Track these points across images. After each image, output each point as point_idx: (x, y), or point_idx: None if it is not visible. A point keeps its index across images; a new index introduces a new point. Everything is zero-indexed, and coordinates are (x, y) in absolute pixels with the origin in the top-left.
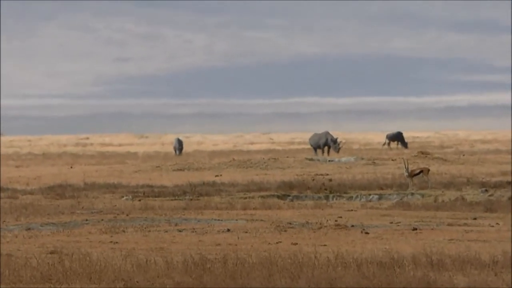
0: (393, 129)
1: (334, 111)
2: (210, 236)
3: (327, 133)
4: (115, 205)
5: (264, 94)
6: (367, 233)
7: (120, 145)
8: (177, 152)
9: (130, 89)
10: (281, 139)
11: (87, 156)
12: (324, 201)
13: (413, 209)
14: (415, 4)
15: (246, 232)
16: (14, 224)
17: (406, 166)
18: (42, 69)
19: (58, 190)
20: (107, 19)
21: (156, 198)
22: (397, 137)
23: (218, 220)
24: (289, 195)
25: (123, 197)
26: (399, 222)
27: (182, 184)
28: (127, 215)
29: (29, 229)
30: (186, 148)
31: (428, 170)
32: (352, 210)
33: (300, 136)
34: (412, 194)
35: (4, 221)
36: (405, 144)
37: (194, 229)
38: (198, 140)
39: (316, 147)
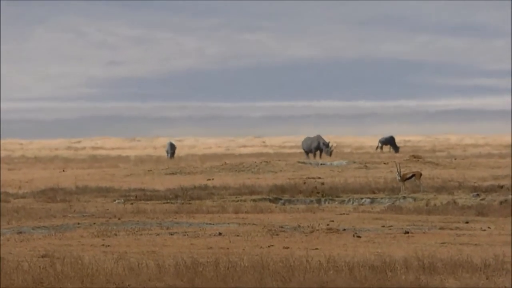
0: (385, 133)
1: (326, 114)
2: (202, 240)
3: (319, 136)
4: (107, 209)
5: (256, 98)
6: (359, 236)
7: (112, 148)
8: (169, 155)
9: (122, 92)
10: (273, 143)
11: (79, 160)
12: (316, 204)
13: (405, 212)
14: (407, 8)
15: (238, 235)
16: (5, 227)
17: (399, 170)
18: (34, 72)
19: (50, 194)
20: (99, 22)
21: (148, 202)
22: (389, 141)
23: (210, 223)
24: (281, 199)
25: (115, 200)
26: (391, 226)
27: (174, 187)
28: (119, 218)
29: (20, 232)
30: (178, 152)
31: (420, 174)
32: (344, 213)
33: (292, 139)
34: (404, 198)
35: None
36: (396, 148)
37: (186, 232)
38: (190, 144)
39: (308, 150)
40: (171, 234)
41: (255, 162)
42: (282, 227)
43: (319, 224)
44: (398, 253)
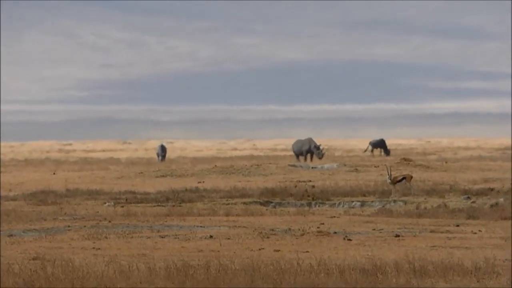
0: (376, 136)
1: (317, 117)
2: (193, 243)
3: (310, 139)
4: (98, 212)
5: (247, 101)
6: (349, 239)
7: (103, 151)
8: (160, 158)
9: (114, 95)
10: (264, 146)
11: (70, 162)
12: (307, 207)
13: (395, 216)
14: (399, 11)
15: (229, 238)
16: None
17: (389, 173)
18: (26, 75)
19: (41, 196)
20: (92, 26)
21: (139, 205)
22: (380, 144)
23: (201, 226)
24: (271, 202)
25: (105, 203)
26: (382, 229)
27: (165, 190)
28: (109, 221)
29: (11, 235)
30: (169, 154)
31: (411, 177)
32: (334, 216)
33: (283, 142)
34: (395, 201)
35: None
36: (387, 152)
37: (176, 235)
38: (181, 146)
39: (299, 153)
40: (162, 237)
41: (246, 165)
42: (273, 230)
43: (309, 227)
44: (389, 256)
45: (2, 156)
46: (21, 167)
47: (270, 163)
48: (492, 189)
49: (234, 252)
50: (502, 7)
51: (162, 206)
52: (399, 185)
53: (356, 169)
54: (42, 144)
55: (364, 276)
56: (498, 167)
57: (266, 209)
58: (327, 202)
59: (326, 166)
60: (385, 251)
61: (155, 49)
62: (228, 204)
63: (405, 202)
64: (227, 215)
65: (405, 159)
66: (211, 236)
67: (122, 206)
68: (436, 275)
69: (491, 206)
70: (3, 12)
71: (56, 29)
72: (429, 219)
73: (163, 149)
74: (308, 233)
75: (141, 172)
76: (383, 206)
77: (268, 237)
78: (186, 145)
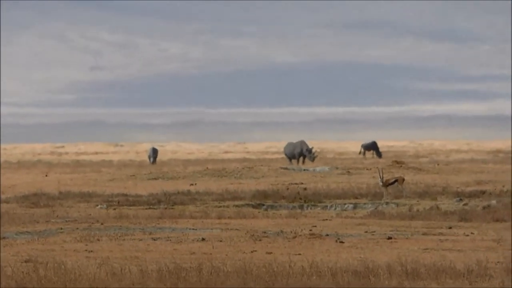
0: (368, 138)
1: (309, 120)
2: (185, 245)
3: (302, 142)
4: (90, 214)
5: (239, 103)
6: (342, 242)
7: (95, 153)
8: (152, 160)
9: (105, 98)
10: (255, 148)
11: (62, 165)
12: (299, 210)
13: (388, 218)
14: (390, 13)
15: (221, 241)
16: None
17: (381, 176)
18: (17, 77)
19: (33, 199)
20: (82, 28)
21: (131, 207)
22: (372, 147)
23: (193, 229)
24: (263, 204)
25: (97, 205)
26: (374, 231)
27: (157, 193)
28: (101, 223)
29: (3, 237)
30: (161, 157)
31: (403, 179)
32: (326, 219)
33: (274, 145)
34: (387, 203)
35: None
36: (379, 154)
37: (168, 238)
38: (172, 149)
39: (291, 156)
40: (154, 239)
41: (238, 167)
42: (265, 232)
43: (302, 230)
44: (381, 258)
45: None
46: (13, 170)
47: (262, 166)
48: (484, 192)
49: (226, 255)
50: (493, 10)
51: (154, 208)
52: (391, 187)
53: (348, 171)
54: (34, 147)
55: (357, 279)
56: (490, 170)
57: (258, 212)
58: (319, 204)
59: (318, 168)
60: (378, 254)
61: (146, 51)
62: (220, 206)
63: (398, 205)
64: (219, 217)
65: (397, 162)
66: (203, 239)
67: (115, 209)
68: (429, 278)
69: (484, 208)
70: None
71: (47, 32)
72: (422, 222)
73: (154, 151)
74: (300, 235)
75: (133, 175)
76: (376, 209)
77: (260, 240)
78: (177, 148)
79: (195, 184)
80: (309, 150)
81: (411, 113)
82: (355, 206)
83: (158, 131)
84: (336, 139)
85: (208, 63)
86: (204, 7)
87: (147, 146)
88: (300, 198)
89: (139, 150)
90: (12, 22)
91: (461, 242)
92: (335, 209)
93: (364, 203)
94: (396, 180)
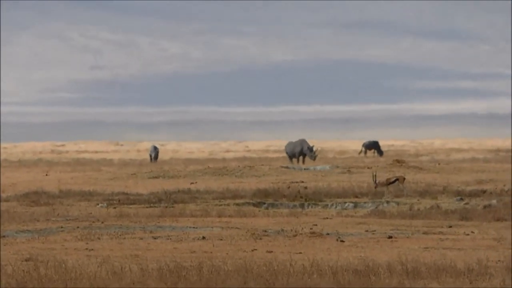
0: (368, 137)
1: (310, 119)
2: (185, 244)
3: (303, 141)
4: (91, 213)
5: (239, 102)
6: (342, 241)
7: (95, 152)
8: (153, 158)
9: (106, 97)
10: (256, 147)
11: (62, 163)
12: (300, 209)
13: (388, 217)
14: (390, 12)
15: (221, 239)
16: None
17: (374, 179)
18: (18, 77)
19: (34, 197)
20: (82, 28)
21: (131, 206)
22: (374, 146)
23: (193, 227)
24: (264, 203)
25: (98, 204)
26: (375, 230)
27: (158, 191)
28: (102, 222)
29: (4, 236)
30: (161, 156)
31: (404, 178)
32: (327, 218)
33: (275, 144)
34: (388, 202)
35: None
36: (380, 153)
37: (169, 236)
38: (173, 148)
39: (292, 155)
40: (155, 238)
41: (239, 166)
42: (265, 231)
43: (302, 228)
44: (382, 257)
45: None
46: (14, 168)
47: (262, 165)
48: (485, 191)
49: (227, 253)
50: (493, 9)
51: (155, 207)
52: (392, 186)
53: (349, 170)
54: (35, 145)
55: (357, 278)
56: (491, 169)
57: (259, 210)
58: (319, 203)
59: (318, 167)
60: (378, 253)
61: (146, 50)
62: (221, 205)
63: (398, 204)
64: (219, 216)
65: (398, 161)
66: (203, 237)
67: (115, 207)
68: (429, 277)
69: (484, 207)
70: None
71: (47, 31)
72: (422, 221)
73: (155, 149)
74: (301, 234)
75: (134, 174)
76: (376, 208)
77: (260, 238)
78: (178, 147)
79: (196, 182)
80: (310, 149)
81: (412, 112)
82: (356, 205)
83: (158, 130)
84: (336, 138)
85: (208, 62)
86: (204, 6)
87: (147, 145)
88: (301, 197)
89: (140, 149)
90: (12, 22)
91: (462, 241)
92: (336, 208)
93: (365, 202)
94: (397, 179)
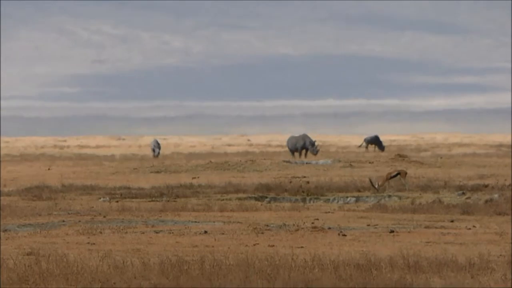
0: (370, 132)
1: (312, 113)
2: (187, 238)
3: (305, 135)
4: (92, 207)
5: (241, 96)
6: (344, 235)
7: (97, 147)
8: (157, 152)
9: (107, 91)
10: (258, 141)
11: (64, 158)
12: (301, 203)
13: (390, 211)
14: (391, 6)
15: (223, 234)
16: None
17: (373, 184)
18: (19, 71)
19: (36, 192)
20: (84, 21)
21: (133, 200)
22: (375, 141)
23: (195, 222)
24: (266, 197)
25: (100, 198)
26: (376, 225)
27: (159, 186)
28: (104, 216)
29: (6, 230)
30: (163, 150)
31: (405, 173)
32: (329, 212)
33: (277, 138)
34: (389, 196)
35: None
36: (382, 148)
37: (171, 230)
38: (175, 142)
39: (294, 149)
40: (156, 232)
41: (241, 160)
42: (267, 225)
43: (304, 223)
44: (383, 251)
45: None
46: (16, 163)
47: (264, 159)
48: (486, 185)
49: (229, 248)
50: (493, 4)
51: (157, 201)
52: (393, 180)
53: (351, 164)
54: (36, 140)
55: (359, 272)
56: (492, 163)
57: (261, 205)
58: (321, 197)
59: (320, 162)
60: (380, 247)
61: (147, 44)
62: (223, 199)
63: (400, 198)
64: (221, 210)
65: (399, 155)
66: (205, 232)
67: (117, 202)
68: (431, 271)
69: (486, 201)
70: None
71: (48, 26)
72: (424, 215)
73: (159, 144)
74: (302, 228)
75: (136, 168)
76: (378, 202)
77: (262, 233)
78: (180, 141)
79: (198, 177)
80: (312, 143)
81: (413, 107)
82: (358, 199)
83: (160, 124)
84: (338, 133)
85: (210, 56)
86: (205, 1)
87: (149, 140)
88: (303, 191)
89: (142, 143)
90: (14, 16)
91: (463, 236)
92: (338, 202)
93: (367, 196)
94: (398, 173)
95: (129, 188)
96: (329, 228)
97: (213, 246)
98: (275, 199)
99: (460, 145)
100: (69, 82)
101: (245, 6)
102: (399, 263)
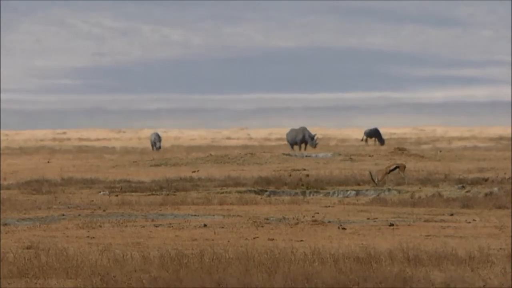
0: (370, 125)
1: (311, 106)
2: (187, 231)
3: (305, 128)
4: (92, 200)
5: (241, 89)
6: (344, 228)
7: (97, 139)
8: (158, 146)
9: (107, 84)
10: (258, 135)
11: (64, 151)
12: (301, 196)
13: (390, 205)
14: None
15: (223, 227)
16: None
17: (373, 178)
18: (20, 64)
19: (35, 185)
20: (85, 15)
21: (133, 193)
22: (375, 134)
23: (195, 215)
24: (266, 191)
25: (100, 192)
26: (376, 218)
27: (159, 179)
28: (104, 210)
29: (5, 224)
30: (163, 143)
31: (404, 166)
32: (329, 205)
33: (277, 131)
34: (389, 190)
35: None
36: (382, 141)
37: (171, 224)
38: (175, 135)
39: (293, 142)
40: (156, 226)
41: (240, 154)
42: (267, 219)
43: (304, 216)
44: (383, 245)
45: None
46: (15, 156)
47: (264, 152)
48: (486, 179)
49: (228, 241)
50: None
51: (157, 195)
52: (392, 174)
53: (351, 158)
54: (36, 133)
55: (358, 265)
56: (492, 157)
57: (261, 198)
58: (321, 191)
59: (320, 155)
60: (379, 240)
61: (148, 37)
62: (223, 193)
63: (399, 191)
64: (221, 204)
65: (399, 149)
66: (205, 225)
67: (117, 195)
68: (430, 264)
69: (486, 195)
70: None
71: (48, 18)
72: (423, 208)
73: (159, 138)
74: (302, 222)
75: (136, 161)
76: (378, 195)
77: (262, 226)
78: (180, 134)
79: (198, 170)
80: (312, 137)
81: (413, 99)
82: (357, 193)
83: (160, 117)
84: (338, 126)
85: (210, 49)
86: None
87: (149, 132)
88: (303, 185)
89: (141, 136)
90: (14, 8)
91: (463, 229)
92: (337, 195)
93: (366, 190)
94: (397, 167)
95: (129, 181)
96: (329, 222)
97: (212, 240)
98: (274, 193)
99: (460, 138)
100: (69, 75)
101: None
102: (399, 256)
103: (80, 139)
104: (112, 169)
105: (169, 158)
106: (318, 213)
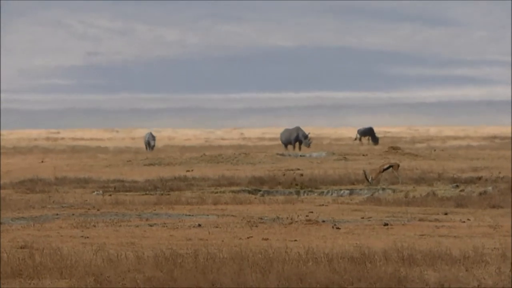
0: (364, 124)
1: (305, 106)
2: (181, 231)
3: (298, 128)
4: (86, 200)
5: (235, 89)
6: (338, 228)
7: (90, 139)
8: (152, 145)
9: (102, 84)
10: (252, 134)
11: (58, 150)
12: (295, 196)
13: (384, 204)
14: None
15: (217, 227)
16: None
17: (367, 177)
18: (14, 64)
19: (29, 185)
20: (80, 15)
21: (127, 193)
22: (368, 133)
23: (189, 215)
24: (260, 190)
25: (94, 191)
26: (370, 217)
27: (153, 179)
28: (98, 209)
29: None
30: (157, 143)
31: (398, 165)
32: (323, 205)
33: (271, 131)
34: (383, 189)
35: None
36: (376, 140)
37: (165, 224)
38: (169, 135)
39: (287, 142)
40: (150, 226)
41: (234, 153)
42: (261, 218)
43: (298, 216)
44: (378, 244)
45: None
46: (9, 155)
47: (258, 152)
48: (480, 178)
49: (223, 241)
50: None
51: (151, 194)
52: (386, 173)
53: (345, 157)
54: (30, 132)
55: (353, 265)
56: (486, 156)
57: (255, 198)
58: (315, 190)
59: (314, 154)
60: (374, 240)
61: (143, 37)
62: (217, 192)
63: (394, 191)
64: (215, 203)
65: (393, 148)
66: (199, 225)
67: (111, 195)
68: (425, 264)
69: (480, 194)
70: None
71: (44, 18)
72: (418, 208)
73: (154, 138)
74: (296, 221)
75: (129, 161)
76: (372, 195)
77: (256, 226)
78: (174, 134)
79: (192, 170)
80: (305, 136)
81: (407, 99)
82: (352, 192)
83: (154, 117)
84: (332, 125)
85: (205, 49)
86: None
87: (143, 132)
88: (297, 184)
89: (135, 136)
90: (10, 8)
91: (457, 228)
92: (332, 195)
93: (361, 189)
94: (390, 166)
95: (122, 181)
96: (323, 221)
97: (207, 239)
98: (268, 192)
99: (455, 137)
100: (64, 74)
101: None
102: (393, 256)
103: (74, 139)
104: (106, 168)
105: (163, 157)
106: (312, 212)
